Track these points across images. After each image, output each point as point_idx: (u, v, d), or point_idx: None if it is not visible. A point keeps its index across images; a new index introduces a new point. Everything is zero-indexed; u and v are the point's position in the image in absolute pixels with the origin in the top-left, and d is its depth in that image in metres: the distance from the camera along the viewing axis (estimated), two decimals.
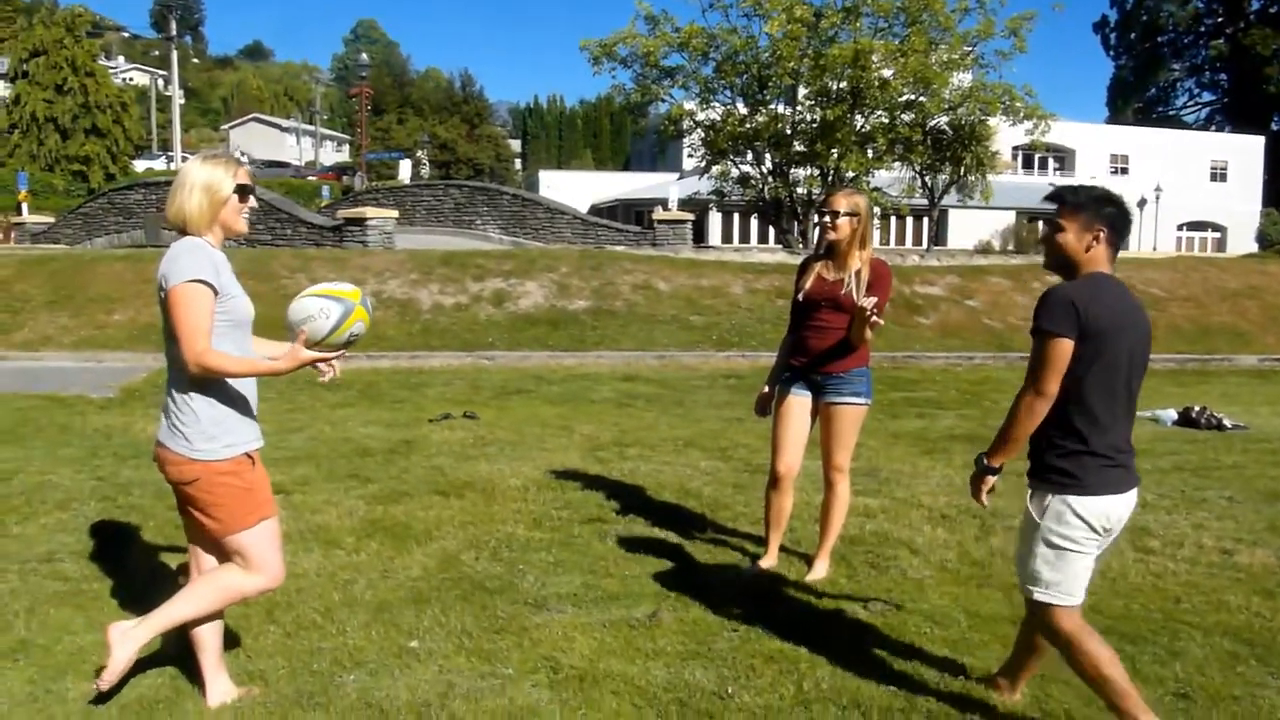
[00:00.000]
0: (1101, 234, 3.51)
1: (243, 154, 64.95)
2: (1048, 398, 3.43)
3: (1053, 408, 3.45)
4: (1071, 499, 3.44)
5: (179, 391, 3.58)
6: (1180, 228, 57.29)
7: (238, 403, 3.64)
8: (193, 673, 3.95)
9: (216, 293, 3.51)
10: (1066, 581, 3.47)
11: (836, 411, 5.34)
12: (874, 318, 4.94)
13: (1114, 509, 3.47)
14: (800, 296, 5.35)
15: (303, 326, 3.56)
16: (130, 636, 3.68)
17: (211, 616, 3.79)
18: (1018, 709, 3.83)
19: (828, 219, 5.25)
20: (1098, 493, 3.44)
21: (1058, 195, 3.64)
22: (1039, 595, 3.50)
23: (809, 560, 5.52)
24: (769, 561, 5.55)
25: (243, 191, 3.67)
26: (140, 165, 51.71)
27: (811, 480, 5.55)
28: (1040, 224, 3.63)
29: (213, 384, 3.56)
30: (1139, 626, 4.65)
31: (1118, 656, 3.51)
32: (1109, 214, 3.54)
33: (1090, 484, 3.44)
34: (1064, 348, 3.39)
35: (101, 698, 3.77)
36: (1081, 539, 3.45)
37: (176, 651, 4.01)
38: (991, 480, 3.66)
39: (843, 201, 5.28)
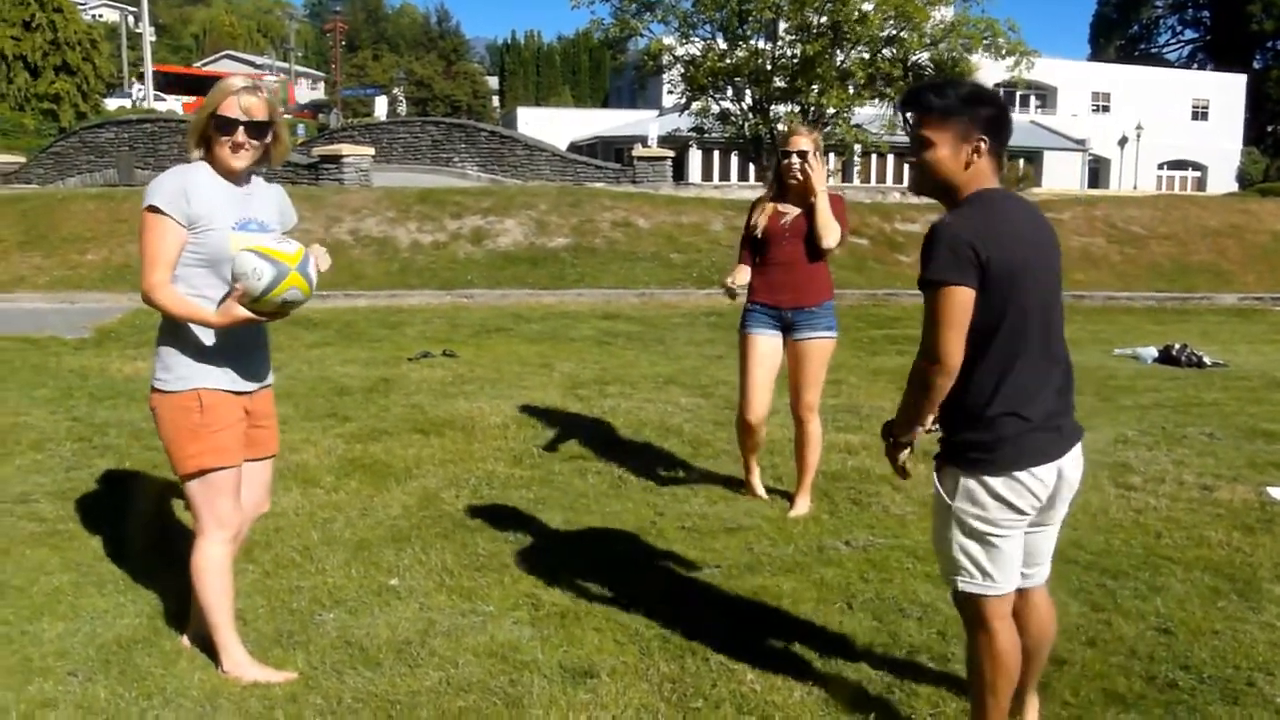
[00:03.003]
0: (983, 144, 2.81)
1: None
2: (947, 368, 2.77)
3: (960, 370, 2.80)
4: (988, 479, 2.80)
5: (161, 321, 3.46)
6: (1161, 166, 57.24)
7: (206, 337, 3.42)
8: (170, 613, 3.92)
9: (185, 224, 3.32)
10: (993, 569, 2.86)
11: (809, 347, 5.33)
12: (801, 174, 5.02)
13: (1044, 480, 2.83)
14: (759, 233, 5.31)
15: (239, 283, 3.27)
16: (227, 659, 3.52)
17: None
18: None
19: (794, 159, 5.19)
20: (1019, 466, 2.80)
21: (917, 100, 2.88)
22: (962, 585, 2.89)
23: (790, 498, 5.52)
24: (760, 491, 5.66)
25: (221, 125, 3.38)
26: (112, 104, 50.76)
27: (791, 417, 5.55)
28: (911, 139, 2.89)
29: None
30: (1120, 562, 4.66)
31: (1016, 679, 2.96)
32: (987, 116, 2.82)
33: (1009, 458, 2.79)
34: (963, 298, 2.71)
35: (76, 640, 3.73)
36: (1002, 520, 2.82)
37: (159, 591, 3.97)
38: (903, 454, 3.01)
39: (807, 141, 5.24)
